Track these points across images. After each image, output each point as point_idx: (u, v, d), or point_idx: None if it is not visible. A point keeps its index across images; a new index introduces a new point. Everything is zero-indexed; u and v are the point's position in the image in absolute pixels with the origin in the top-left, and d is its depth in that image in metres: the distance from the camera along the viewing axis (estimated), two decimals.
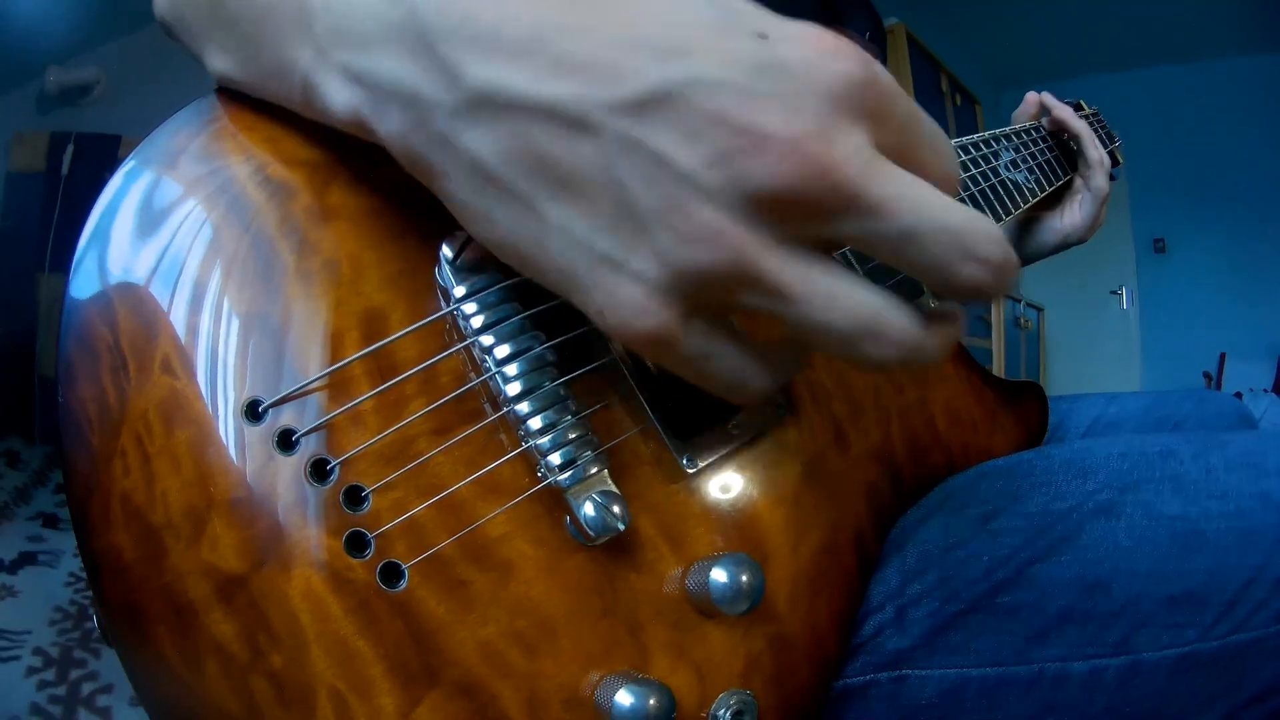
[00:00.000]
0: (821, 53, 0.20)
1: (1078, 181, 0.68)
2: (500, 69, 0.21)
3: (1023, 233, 0.69)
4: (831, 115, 0.20)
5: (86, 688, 0.97)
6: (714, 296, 0.22)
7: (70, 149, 1.64)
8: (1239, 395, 2.92)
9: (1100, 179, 0.65)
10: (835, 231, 0.21)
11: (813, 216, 0.20)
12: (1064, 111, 0.65)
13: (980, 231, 0.21)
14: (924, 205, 0.20)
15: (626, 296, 0.22)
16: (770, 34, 0.21)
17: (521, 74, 0.21)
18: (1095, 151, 0.65)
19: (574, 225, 0.22)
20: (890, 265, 0.22)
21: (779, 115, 0.20)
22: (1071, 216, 0.66)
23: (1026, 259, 0.70)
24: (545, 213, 0.22)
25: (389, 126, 0.25)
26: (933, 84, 2.79)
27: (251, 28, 0.29)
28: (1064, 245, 0.68)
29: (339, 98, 0.26)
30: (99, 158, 1.62)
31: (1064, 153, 0.68)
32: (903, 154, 0.22)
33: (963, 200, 0.50)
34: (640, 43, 0.21)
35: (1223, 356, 3.23)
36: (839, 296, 0.21)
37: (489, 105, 0.22)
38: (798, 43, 0.21)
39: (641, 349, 0.23)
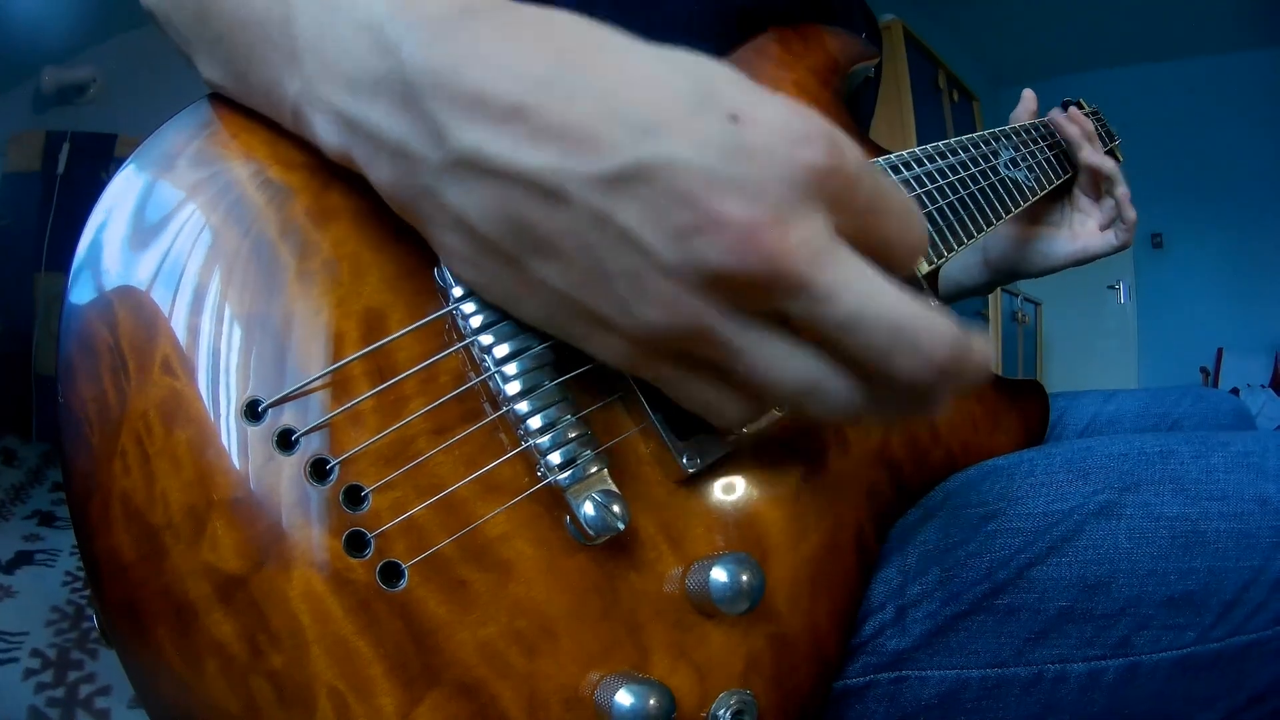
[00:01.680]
0: (789, 139, 0.22)
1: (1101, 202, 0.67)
2: (483, 133, 0.22)
3: (1026, 247, 0.68)
4: (790, 203, 0.21)
5: (84, 690, 0.96)
6: (681, 349, 0.24)
7: (66, 148, 1.63)
8: (1236, 391, 2.92)
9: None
10: (783, 309, 0.22)
11: (762, 296, 0.22)
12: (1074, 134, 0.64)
13: (927, 328, 0.22)
14: (870, 295, 0.22)
15: (606, 346, 0.25)
16: (741, 115, 0.22)
17: (503, 141, 0.22)
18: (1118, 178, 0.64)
19: (555, 282, 0.24)
20: (835, 349, 0.23)
21: (739, 202, 0.21)
22: (1084, 232, 0.66)
23: (1036, 272, 0.69)
24: (529, 268, 0.24)
25: (378, 174, 0.26)
26: (930, 81, 2.77)
27: (240, 49, 0.29)
28: (1082, 259, 0.67)
29: (329, 136, 0.26)
30: (95, 157, 1.62)
31: (1065, 150, 0.68)
32: (865, 235, 0.23)
33: (961, 199, 0.50)
34: (618, 115, 0.22)
35: (1220, 352, 3.23)
36: (782, 362, 0.23)
37: (473, 168, 0.23)
38: (767, 127, 0.22)
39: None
